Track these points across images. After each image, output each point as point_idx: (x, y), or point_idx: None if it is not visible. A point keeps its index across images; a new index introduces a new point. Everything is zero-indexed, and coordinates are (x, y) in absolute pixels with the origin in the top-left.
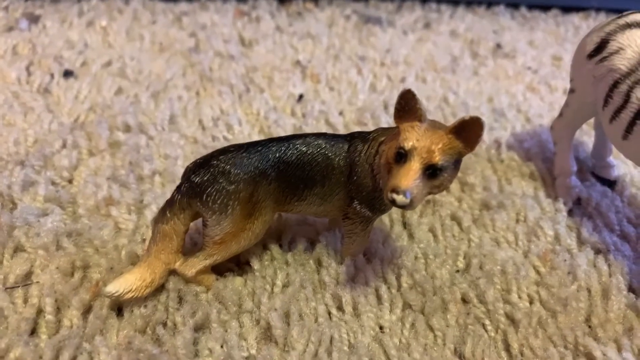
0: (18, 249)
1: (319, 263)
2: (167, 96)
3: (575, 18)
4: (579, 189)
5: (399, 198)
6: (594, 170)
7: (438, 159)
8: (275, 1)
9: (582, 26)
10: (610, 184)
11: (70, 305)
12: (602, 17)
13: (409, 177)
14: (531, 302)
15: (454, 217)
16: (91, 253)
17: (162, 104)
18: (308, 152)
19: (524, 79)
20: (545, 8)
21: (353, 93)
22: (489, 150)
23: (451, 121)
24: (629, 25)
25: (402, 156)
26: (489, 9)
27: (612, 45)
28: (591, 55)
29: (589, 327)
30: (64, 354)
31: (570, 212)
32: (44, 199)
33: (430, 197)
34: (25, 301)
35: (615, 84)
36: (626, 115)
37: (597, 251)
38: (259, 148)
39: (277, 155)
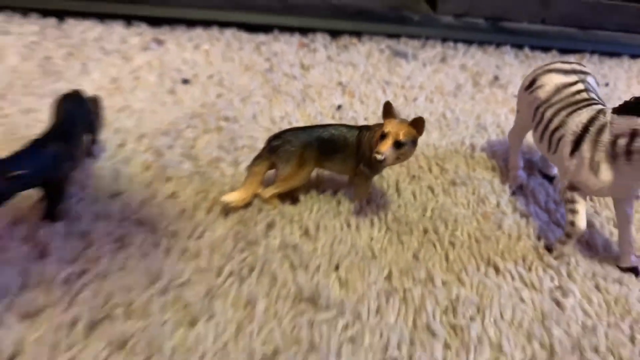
0: (168, 179)
1: (338, 202)
2: (250, 101)
3: (572, 58)
4: (522, 179)
5: (378, 156)
6: (541, 168)
7: (401, 137)
8: (329, 36)
9: None
10: (550, 179)
11: (200, 208)
12: (595, 59)
13: (385, 146)
14: (468, 237)
15: (430, 187)
16: (209, 185)
17: (247, 105)
18: (335, 133)
19: (510, 104)
20: (545, 49)
21: (377, 106)
22: (466, 150)
23: (445, 130)
24: (550, 70)
25: (383, 136)
26: (497, 48)
27: (538, 83)
28: (526, 88)
29: (501, 252)
30: (198, 229)
31: (513, 193)
32: (180, 155)
33: (416, 173)
34: (174, 206)
35: (537, 108)
36: (540, 127)
37: (523, 215)
38: (308, 130)
39: (318, 134)
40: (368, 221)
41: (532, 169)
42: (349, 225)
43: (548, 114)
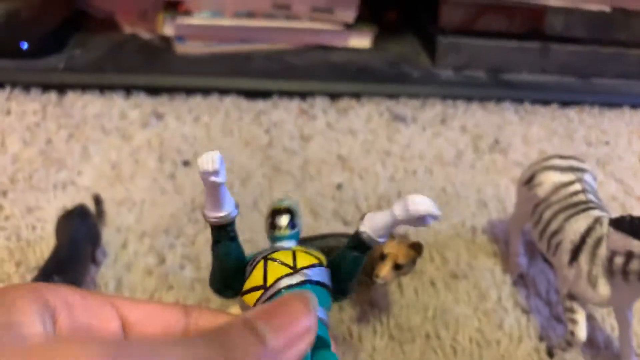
0: (169, 287)
1: (340, 308)
2: (251, 183)
3: (572, 112)
4: (523, 267)
5: (378, 280)
6: (542, 252)
7: (400, 260)
8: (328, 99)
9: (574, 119)
10: (551, 264)
11: None
12: (596, 111)
13: (385, 270)
14: (469, 341)
15: (432, 282)
16: (209, 293)
17: (247, 189)
18: (334, 245)
19: (510, 172)
20: (545, 102)
21: (376, 182)
22: (467, 233)
23: (445, 209)
24: (548, 168)
25: (383, 257)
26: (497, 104)
27: (536, 180)
28: (525, 183)
29: (502, 358)
30: None
31: (514, 283)
32: (181, 257)
33: (417, 266)
34: None
35: (536, 205)
36: (539, 227)
37: (524, 311)
38: (308, 241)
39: (317, 246)
40: (370, 329)
41: (533, 251)
42: (351, 335)
43: (546, 215)
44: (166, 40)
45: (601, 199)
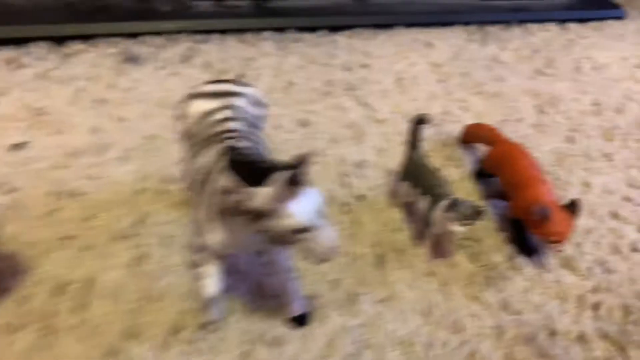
0: None
1: None
2: None
3: (341, 36)
4: None
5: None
6: None
7: None
8: (54, 44)
9: (341, 44)
10: None
11: None
12: (369, 33)
13: None
14: None
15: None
16: None
17: None
18: None
19: None
20: (312, 29)
21: (74, 136)
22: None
23: (152, 158)
24: (194, 96)
25: None
26: (256, 35)
27: (183, 113)
28: (178, 119)
29: None
30: None
31: None
32: None
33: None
34: None
35: (189, 143)
36: (189, 166)
37: None
38: None
39: None
40: None
41: None
42: None
43: (193, 151)
44: None
45: (257, 125)
